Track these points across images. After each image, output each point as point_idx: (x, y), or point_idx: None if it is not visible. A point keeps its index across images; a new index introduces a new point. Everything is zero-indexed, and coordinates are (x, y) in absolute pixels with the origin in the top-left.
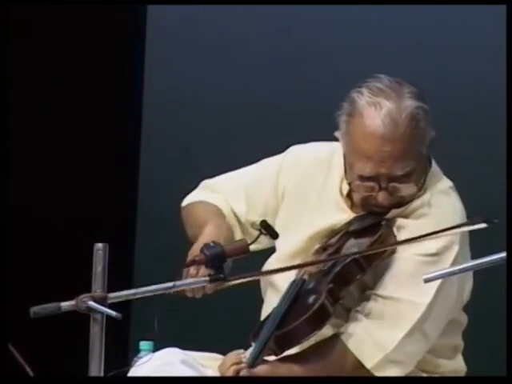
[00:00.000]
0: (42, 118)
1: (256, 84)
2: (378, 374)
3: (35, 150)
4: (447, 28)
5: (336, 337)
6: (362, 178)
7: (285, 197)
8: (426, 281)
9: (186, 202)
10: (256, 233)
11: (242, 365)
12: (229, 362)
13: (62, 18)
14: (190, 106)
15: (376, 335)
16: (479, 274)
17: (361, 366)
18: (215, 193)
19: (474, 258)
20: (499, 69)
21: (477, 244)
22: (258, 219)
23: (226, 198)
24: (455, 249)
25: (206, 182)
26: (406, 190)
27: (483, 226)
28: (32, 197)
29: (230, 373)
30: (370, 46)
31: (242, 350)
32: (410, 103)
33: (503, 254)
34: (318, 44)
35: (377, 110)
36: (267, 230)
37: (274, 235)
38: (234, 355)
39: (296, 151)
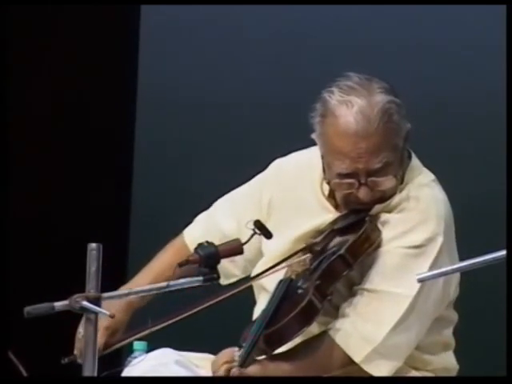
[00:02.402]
0: (37, 119)
1: (253, 84)
2: (368, 367)
3: (24, 150)
4: (447, 28)
5: (324, 333)
6: (341, 176)
7: (271, 210)
8: (419, 280)
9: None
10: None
11: (234, 363)
12: (221, 359)
13: (58, 19)
14: (184, 105)
15: (363, 329)
16: (479, 273)
17: (350, 361)
18: (207, 222)
19: (471, 257)
20: (499, 69)
21: (475, 243)
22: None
23: (218, 221)
24: (439, 240)
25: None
26: (386, 183)
27: None
28: (24, 198)
29: (221, 371)
30: (370, 46)
31: (236, 348)
32: (380, 98)
33: (499, 254)
34: (318, 44)
35: (348, 107)
36: (261, 229)
37: (267, 235)
38: (227, 353)
39: (277, 163)
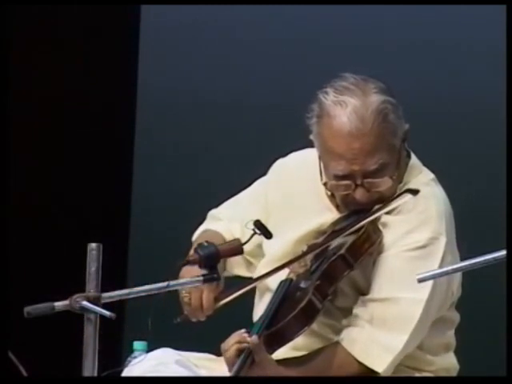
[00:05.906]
0: (37, 119)
1: (254, 84)
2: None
3: (24, 150)
4: (447, 28)
5: (337, 344)
6: (337, 177)
7: (272, 209)
8: (420, 280)
9: (194, 235)
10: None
11: (245, 344)
12: (232, 340)
13: (58, 18)
14: (184, 105)
15: (382, 339)
16: (479, 273)
17: (368, 371)
18: (219, 220)
19: (471, 257)
20: (499, 69)
21: (475, 243)
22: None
23: (227, 224)
24: (443, 240)
25: (211, 213)
26: (382, 184)
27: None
28: (24, 197)
29: (231, 351)
30: (369, 46)
31: (243, 330)
32: (375, 98)
33: (499, 254)
34: (318, 44)
35: (342, 108)
36: (261, 229)
37: (267, 235)
38: (237, 334)
39: (279, 165)
